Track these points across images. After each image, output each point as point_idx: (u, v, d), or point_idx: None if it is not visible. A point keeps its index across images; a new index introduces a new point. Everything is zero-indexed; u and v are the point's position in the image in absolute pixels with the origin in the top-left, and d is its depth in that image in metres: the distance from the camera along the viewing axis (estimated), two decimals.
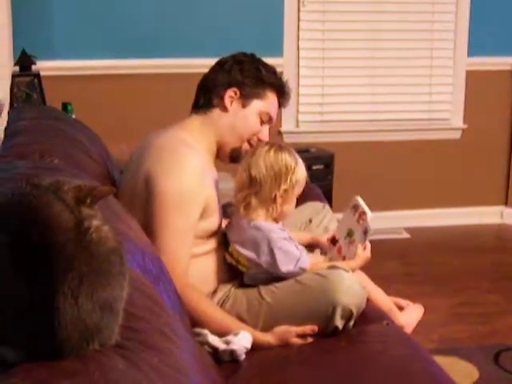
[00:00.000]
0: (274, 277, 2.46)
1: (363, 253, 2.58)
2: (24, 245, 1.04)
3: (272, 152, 2.47)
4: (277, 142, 2.64)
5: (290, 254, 2.45)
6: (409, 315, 2.80)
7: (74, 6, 4.64)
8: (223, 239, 2.58)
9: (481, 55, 5.25)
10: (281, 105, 2.70)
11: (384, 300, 2.73)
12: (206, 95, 2.60)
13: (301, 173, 2.50)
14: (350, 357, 2.27)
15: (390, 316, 2.63)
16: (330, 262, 2.58)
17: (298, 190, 2.52)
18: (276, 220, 2.52)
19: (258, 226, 2.46)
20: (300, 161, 2.53)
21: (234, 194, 2.56)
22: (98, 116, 4.42)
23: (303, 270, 2.45)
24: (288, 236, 2.51)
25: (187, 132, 2.54)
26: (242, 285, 2.52)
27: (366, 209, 2.57)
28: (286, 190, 2.46)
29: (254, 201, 2.47)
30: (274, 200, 2.46)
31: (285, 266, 2.43)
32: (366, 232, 2.56)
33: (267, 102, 2.63)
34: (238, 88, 2.58)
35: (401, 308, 2.83)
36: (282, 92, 2.67)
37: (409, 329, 2.75)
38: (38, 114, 2.92)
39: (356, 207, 2.62)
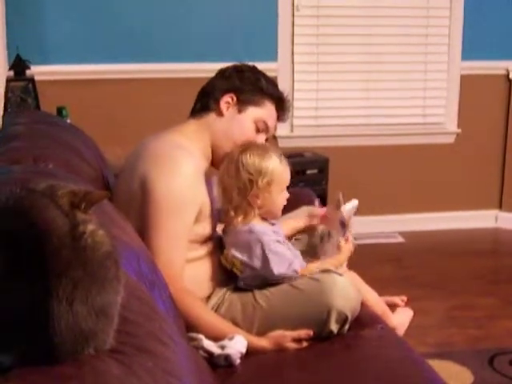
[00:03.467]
0: (268, 280, 2.46)
1: (346, 245, 2.62)
2: (19, 249, 1.04)
3: (235, 157, 2.45)
4: (251, 142, 2.60)
5: (283, 257, 2.45)
6: (400, 317, 2.80)
7: (69, 11, 4.65)
8: (219, 243, 2.59)
9: (475, 59, 5.27)
10: (279, 118, 2.69)
11: (377, 302, 2.73)
12: (204, 100, 2.61)
13: (271, 171, 2.45)
14: (345, 361, 2.27)
15: (383, 318, 2.64)
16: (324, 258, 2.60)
17: (278, 187, 2.49)
18: (266, 217, 2.52)
19: (252, 229, 2.46)
20: (272, 157, 2.47)
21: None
22: (93, 120, 4.41)
23: (296, 273, 2.45)
24: (282, 239, 2.51)
25: (183, 136, 2.54)
26: (237, 289, 2.51)
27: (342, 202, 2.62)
28: (256, 195, 2.45)
29: (230, 210, 2.48)
30: (249, 206, 2.46)
31: (277, 268, 2.43)
32: (342, 224, 2.58)
33: (264, 110, 2.62)
34: (235, 94, 2.58)
35: (396, 305, 2.83)
36: (280, 104, 2.67)
37: (401, 330, 2.75)
38: (32, 118, 2.92)
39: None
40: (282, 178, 2.50)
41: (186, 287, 2.36)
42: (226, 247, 2.52)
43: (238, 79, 2.60)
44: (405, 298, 2.88)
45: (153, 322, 1.39)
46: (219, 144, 2.59)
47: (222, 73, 2.65)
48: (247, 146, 2.50)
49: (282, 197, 2.53)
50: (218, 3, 4.88)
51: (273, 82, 2.68)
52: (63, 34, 4.65)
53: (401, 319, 2.78)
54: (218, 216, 2.61)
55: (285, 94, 2.70)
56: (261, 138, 2.63)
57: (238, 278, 2.50)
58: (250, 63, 2.71)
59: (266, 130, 2.64)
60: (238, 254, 2.47)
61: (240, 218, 2.47)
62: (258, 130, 2.62)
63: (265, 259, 2.43)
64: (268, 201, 2.48)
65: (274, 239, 2.47)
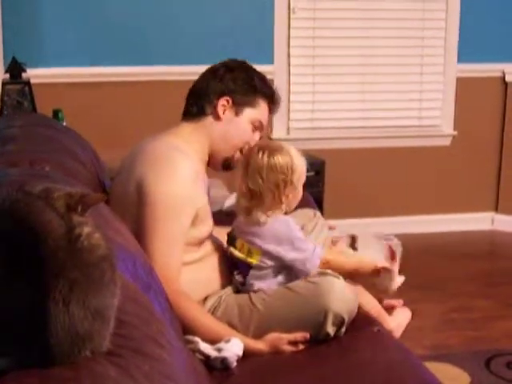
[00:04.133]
0: (281, 273, 2.47)
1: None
2: (15, 251, 1.03)
3: (265, 160, 2.44)
4: (266, 142, 2.62)
5: (306, 244, 2.47)
6: (398, 319, 2.78)
7: (65, 14, 4.64)
8: (216, 245, 2.59)
9: (471, 62, 5.27)
10: (271, 111, 2.70)
11: (373, 305, 2.72)
12: (198, 103, 2.60)
13: (300, 167, 2.49)
14: (342, 363, 2.27)
15: (379, 320, 2.64)
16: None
17: (302, 179, 2.53)
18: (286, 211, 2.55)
19: (277, 218, 2.47)
20: (294, 153, 2.50)
21: (237, 199, 2.55)
22: (89, 123, 4.41)
23: (318, 260, 2.46)
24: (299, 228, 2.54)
25: (179, 138, 2.54)
26: (234, 292, 2.51)
27: None
28: (290, 192, 2.47)
29: (255, 211, 2.46)
30: (280, 204, 2.48)
31: (306, 246, 2.45)
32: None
33: (259, 109, 2.63)
34: (231, 96, 2.58)
35: (393, 307, 2.82)
36: (273, 100, 2.68)
37: (398, 332, 2.74)
38: (28, 121, 2.91)
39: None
40: (304, 170, 2.54)
41: (182, 290, 2.36)
42: (242, 238, 2.51)
43: (231, 81, 2.59)
44: (401, 301, 2.88)
45: (149, 325, 1.39)
46: (218, 148, 2.60)
47: (213, 73, 2.63)
48: (270, 148, 2.49)
49: (301, 188, 2.56)
50: (214, 6, 4.87)
51: (264, 78, 2.67)
52: (59, 37, 4.64)
53: (398, 321, 2.77)
54: (214, 219, 2.61)
55: (274, 87, 2.71)
56: (256, 137, 2.65)
57: (251, 270, 2.49)
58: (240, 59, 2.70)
59: (261, 128, 2.65)
60: (262, 243, 2.46)
61: (269, 214, 2.47)
62: (253, 130, 2.63)
63: (292, 243, 2.44)
64: (296, 196, 2.52)
65: (298, 228, 2.50)
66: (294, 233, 2.47)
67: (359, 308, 2.48)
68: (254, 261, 2.48)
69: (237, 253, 2.52)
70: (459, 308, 4.04)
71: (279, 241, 2.45)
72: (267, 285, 2.47)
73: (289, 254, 2.44)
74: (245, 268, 2.50)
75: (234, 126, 2.60)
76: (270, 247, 2.45)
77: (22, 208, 1.09)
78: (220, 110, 2.58)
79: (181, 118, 2.65)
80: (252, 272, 2.49)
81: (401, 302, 2.86)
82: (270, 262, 2.46)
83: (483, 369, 3.30)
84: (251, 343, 2.33)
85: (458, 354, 3.47)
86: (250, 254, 2.48)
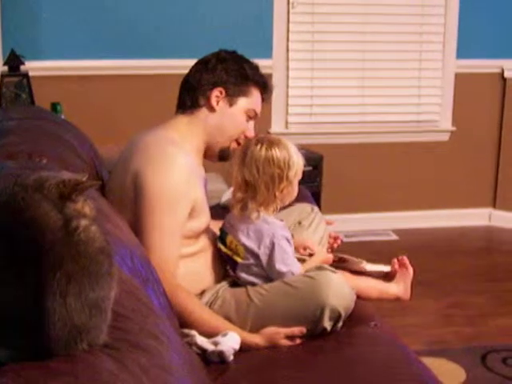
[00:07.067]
0: (265, 273, 2.47)
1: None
2: (12, 245, 1.03)
3: (263, 152, 2.45)
4: (265, 135, 2.62)
5: (287, 256, 2.46)
6: (400, 284, 2.73)
7: (64, 6, 4.63)
8: (213, 238, 2.59)
9: (470, 58, 5.27)
10: (264, 100, 2.70)
11: (371, 286, 2.69)
12: (192, 95, 2.60)
13: (297, 163, 2.49)
14: (338, 358, 2.27)
15: (384, 295, 2.67)
16: None
17: (298, 179, 2.52)
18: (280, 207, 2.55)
19: (267, 220, 2.47)
20: (293, 149, 2.50)
21: (232, 191, 2.55)
22: (87, 116, 4.41)
23: (292, 275, 2.46)
24: (289, 236, 2.52)
25: (175, 131, 2.54)
26: (231, 286, 2.52)
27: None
28: (285, 187, 2.47)
29: (250, 204, 2.46)
30: (274, 199, 2.47)
31: (279, 264, 2.43)
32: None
33: (252, 98, 2.63)
34: (224, 87, 2.58)
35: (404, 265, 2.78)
36: (265, 88, 2.68)
37: (407, 294, 2.70)
38: (26, 114, 2.91)
39: None
40: (301, 167, 2.53)
41: (179, 283, 2.36)
42: (231, 233, 2.52)
43: (223, 71, 2.59)
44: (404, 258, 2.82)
45: (146, 318, 1.39)
46: (214, 139, 2.59)
47: (204, 64, 2.62)
48: (269, 141, 2.49)
49: (296, 190, 2.55)
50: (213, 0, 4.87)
51: (255, 67, 2.67)
52: (58, 30, 4.63)
53: (402, 285, 2.71)
54: (211, 213, 2.61)
55: (266, 75, 2.70)
56: (251, 126, 2.65)
57: (238, 266, 2.49)
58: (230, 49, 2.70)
59: (255, 116, 2.65)
60: (245, 240, 2.47)
61: (262, 209, 2.47)
62: (248, 119, 2.63)
63: (271, 251, 2.44)
64: (290, 192, 2.51)
65: (285, 236, 2.48)
66: (278, 240, 2.45)
67: (358, 297, 2.48)
68: (238, 259, 2.49)
69: (224, 249, 2.52)
70: (456, 304, 4.05)
71: (260, 242, 2.45)
72: (254, 279, 2.48)
73: (264, 257, 2.45)
74: (232, 264, 2.51)
75: (229, 116, 2.60)
76: (252, 245, 2.46)
77: (19, 202, 1.09)
78: (214, 101, 2.57)
79: (175, 110, 2.65)
80: (239, 268, 2.50)
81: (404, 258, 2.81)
82: (252, 260, 2.47)
83: (479, 364, 3.30)
84: (248, 337, 2.33)
85: (455, 349, 3.47)
86: (236, 250, 2.49)
